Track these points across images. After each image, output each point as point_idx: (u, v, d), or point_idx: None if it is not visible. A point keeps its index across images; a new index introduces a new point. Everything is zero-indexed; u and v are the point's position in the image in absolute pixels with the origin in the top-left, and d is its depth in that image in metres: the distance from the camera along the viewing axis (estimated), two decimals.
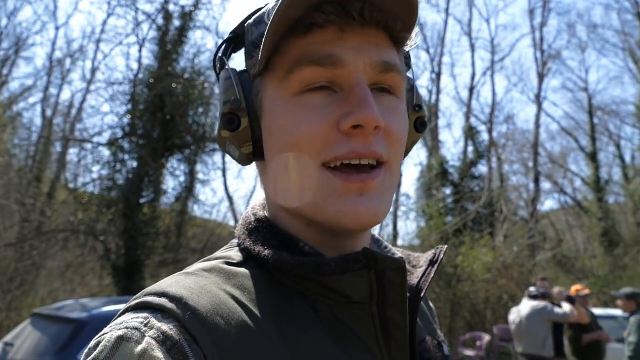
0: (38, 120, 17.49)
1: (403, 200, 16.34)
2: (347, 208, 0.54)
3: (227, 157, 16.75)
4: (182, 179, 11.91)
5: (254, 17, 0.61)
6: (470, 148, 19.32)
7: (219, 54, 0.64)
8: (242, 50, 0.64)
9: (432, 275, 0.63)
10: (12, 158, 13.38)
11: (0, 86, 17.00)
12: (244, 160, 0.63)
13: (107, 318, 4.52)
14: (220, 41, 0.65)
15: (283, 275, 0.56)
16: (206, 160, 12.45)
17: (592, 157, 19.80)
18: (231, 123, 0.59)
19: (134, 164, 10.57)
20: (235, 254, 0.59)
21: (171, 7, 11.48)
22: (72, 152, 15.56)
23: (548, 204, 39.86)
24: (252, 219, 0.63)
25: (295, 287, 0.56)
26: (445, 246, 0.67)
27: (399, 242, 15.86)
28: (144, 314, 0.48)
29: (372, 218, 0.55)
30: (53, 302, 9.14)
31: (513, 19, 42.29)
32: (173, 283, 0.52)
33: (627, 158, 21.22)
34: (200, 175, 12.56)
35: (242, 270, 0.56)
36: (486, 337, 9.97)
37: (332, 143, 0.54)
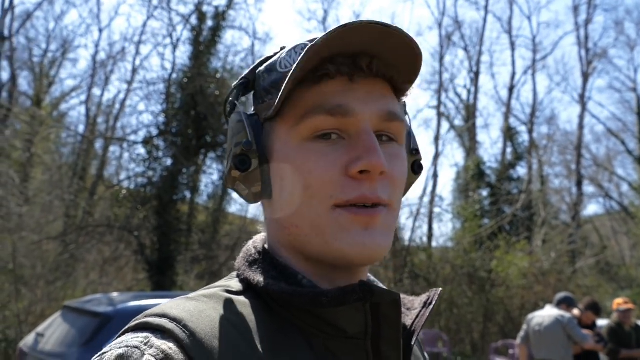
0: (82, 120, 18.13)
1: (437, 201, 16.06)
2: (354, 241, 0.57)
3: None
4: (215, 177, 12.10)
5: (265, 65, 0.66)
6: (509, 149, 18.85)
7: (230, 98, 0.68)
8: (251, 95, 0.69)
9: (426, 317, 0.64)
10: (56, 155, 13.94)
11: (48, 87, 17.71)
12: (251, 199, 0.66)
13: (132, 313, 4.65)
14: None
15: (280, 307, 0.57)
16: None
17: None
18: (243, 164, 0.62)
19: (169, 162, 10.82)
20: (236, 284, 0.61)
21: (205, 7, 11.67)
22: (113, 151, 16.09)
23: (592, 208, 38.47)
24: (253, 251, 0.65)
25: (292, 320, 0.57)
26: (440, 289, 0.69)
27: (433, 244, 15.63)
28: (145, 334, 0.50)
29: (376, 250, 0.58)
30: (92, 294, 9.46)
31: (556, 17, 40.88)
32: (174, 306, 0.53)
33: None
34: None
35: (241, 298, 0.58)
36: None
37: (342, 187, 0.58)
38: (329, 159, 0.58)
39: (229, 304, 0.56)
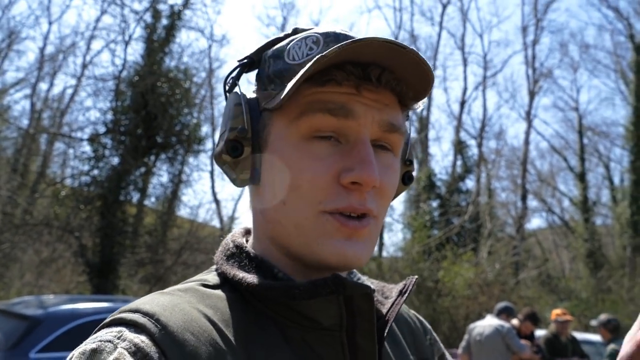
0: (27, 114, 17.35)
1: (388, 211, 16.25)
2: (336, 250, 0.57)
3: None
4: (164, 179, 11.80)
5: (272, 50, 0.65)
6: (459, 162, 19.36)
7: (231, 77, 0.67)
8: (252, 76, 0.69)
9: (400, 305, 0.65)
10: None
11: None
12: (238, 184, 0.66)
13: (64, 316, 4.41)
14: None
15: (256, 299, 0.58)
16: (190, 162, 12.35)
17: (581, 177, 19.85)
18: (235, 150, 0.62)
19: (116, 161, 10.46)
20: (212, 278, 0.62)
21: (160, 5, 11.42)
22: (59, 147, 15.45)
23: (536, 222, 39.98)
24: (231, 245, 0.65)
25: (267, 312, 0.57)
26: (416, 277, 0.69)
27: (384, 253, 15.79)
28: (118, 328, 0.51)
29: (357, 261, 0.58)
30: (28, 295, 8.97)
31: (506, 36, 42.68)
32: (147, 301, 0.54)
33: (616, 180, 21.30)
34: (183, 177, 12.46)
35: (217, 292, 0.58)
36: None
37: (332, 194, 0.57)
38: (324, 163, 0.58)
39: (203, 298, 0.56)
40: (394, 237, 19.98)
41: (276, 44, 0.65)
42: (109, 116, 10.76)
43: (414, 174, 0.75)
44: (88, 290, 9.59)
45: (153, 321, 0.50)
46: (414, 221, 14.80)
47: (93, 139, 10.49)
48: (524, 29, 21.92)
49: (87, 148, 10.84)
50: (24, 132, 14.91)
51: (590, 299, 15.63)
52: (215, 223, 17.18)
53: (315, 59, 0.54)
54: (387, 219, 15.68)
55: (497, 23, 40.30)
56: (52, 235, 10.13)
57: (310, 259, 0.59)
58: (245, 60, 0.67)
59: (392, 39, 0.55)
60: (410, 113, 0.71)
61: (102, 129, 10.69)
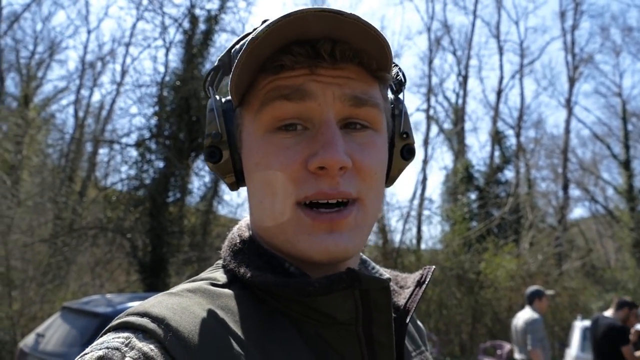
0: (71, 122, 18.04)
1: (426, 204, 16.23)
2: (316, 245, 0.55)
3: None
4: (207, 179, 12.15)
5: (240, 45, 0.62)
6: (497, 153, 19.10)
7: (207, 85, 0.65)
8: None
9: (420, 296, 0.63)
10: (47, 158, 13.87)
11: (35, 88, 17.58)
12: (230, 188, 0.66)
13: None
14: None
15: (268, 296, 0.56)
16: None
17: (626, 165, 19.22)
18: (212, 156, 0.61)
19: (161, 164, 10.87)
20: (221, 276, 0.60)
21: (197, 11, 11.73)
22: (103, 153, 16.05)
23: (578, 211, 38.97)
24: (238, 240, 0.63)
25: (281, 309, 0.56)
26: (433, 267, 0.67)
27: (422, 246, 15.79)
28: (126, 334, 0.48)
29: (342, 253, 0.55)
30: (83, 296, 9.48)
31: (543, 22, 41.69)
32: (156, 303, 0.51)
33: None
34: None
35: (227, 291, 0.56)
36: (507, 346, 9.84)
37: (302, 182, 0.55)
38: (289, 153, 0.55)
39: (214, 298, 0.54)
40: (433, 230, 19.91)
41: (243, 40, 0.62)
42: (153, 121, 11.16)
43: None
44: (140, 289, 10.02)
45: (162, 326, 0.48)
46: (453, 213, 14.74)
47: (140, 144, 10.92)
48: (562, 14, 21.41)
49: (133, 153, 11.30)
50: (71, 138, 15.54)
51: (638, 289, 15.24)
52: None
53: (247, 43, 0.51)
54: (426, 212, 15.68)
55: (533, 9, 39.21)
56: (106, 237, 10.63)
57: (296, 256, 0.57)
58: (217, 64, 0.64)
59: (329, 7, 0.51)
60: (402, 79, 0.67)
61: (147, 134, 11.11)
